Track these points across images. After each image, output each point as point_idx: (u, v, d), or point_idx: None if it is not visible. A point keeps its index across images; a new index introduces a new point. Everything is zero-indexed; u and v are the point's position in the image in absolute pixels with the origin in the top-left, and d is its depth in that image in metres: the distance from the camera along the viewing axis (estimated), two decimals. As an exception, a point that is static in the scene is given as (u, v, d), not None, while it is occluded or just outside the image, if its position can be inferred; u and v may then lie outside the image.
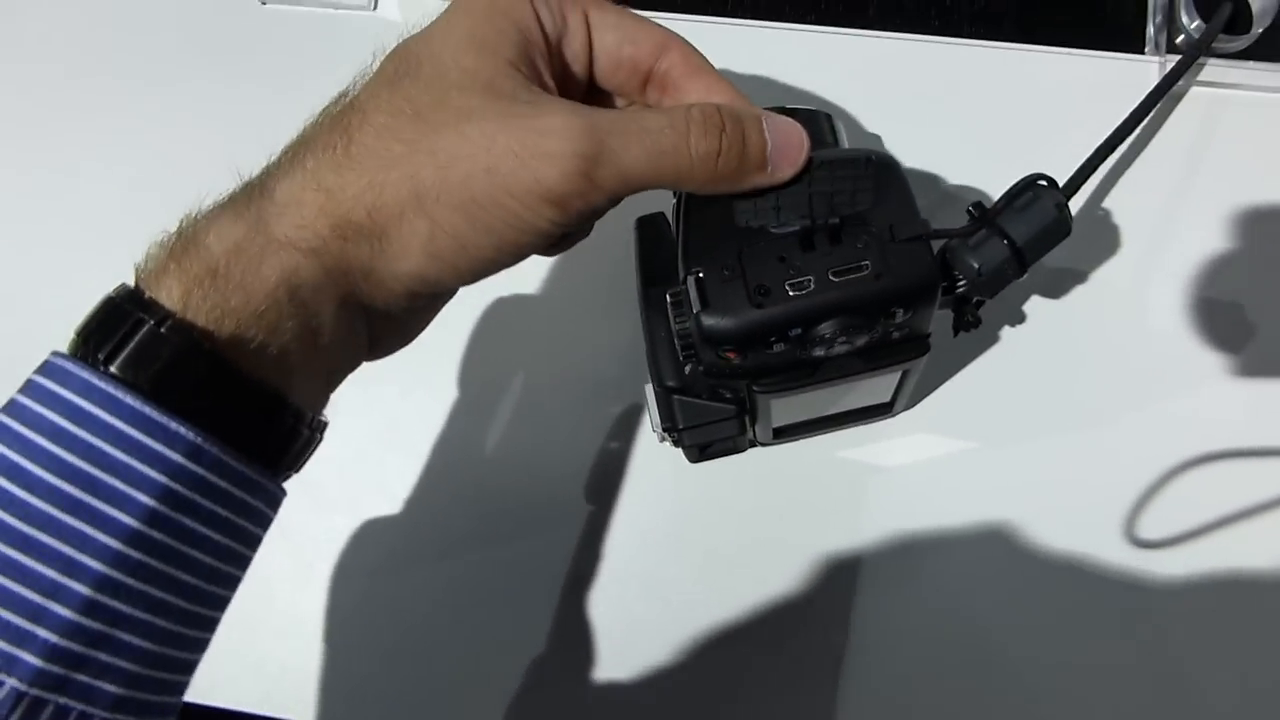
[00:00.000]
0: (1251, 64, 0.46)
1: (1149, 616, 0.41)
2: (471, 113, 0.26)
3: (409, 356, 0.32)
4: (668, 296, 0.32)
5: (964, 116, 0.47)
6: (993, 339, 0.44)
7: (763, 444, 0.44)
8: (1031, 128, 0.46)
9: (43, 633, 0.23)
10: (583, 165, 0.26)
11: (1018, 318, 0.44)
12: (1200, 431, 0.42)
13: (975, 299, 0.35)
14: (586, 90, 0.31)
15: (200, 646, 0.27)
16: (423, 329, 0.33)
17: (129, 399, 0.24)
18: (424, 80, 0.27)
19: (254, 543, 0.28)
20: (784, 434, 0.42)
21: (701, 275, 0.30)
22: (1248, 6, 0.47)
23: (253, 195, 0.27)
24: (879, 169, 0.30)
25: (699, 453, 0.43)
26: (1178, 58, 0.46)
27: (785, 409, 0.38)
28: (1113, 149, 0.39)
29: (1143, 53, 0.47)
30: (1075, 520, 0.42)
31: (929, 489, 0.43)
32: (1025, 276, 0.33)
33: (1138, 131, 0.45)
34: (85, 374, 0.25)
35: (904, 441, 0.44)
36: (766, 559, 0.43)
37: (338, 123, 0.27)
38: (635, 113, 0.28)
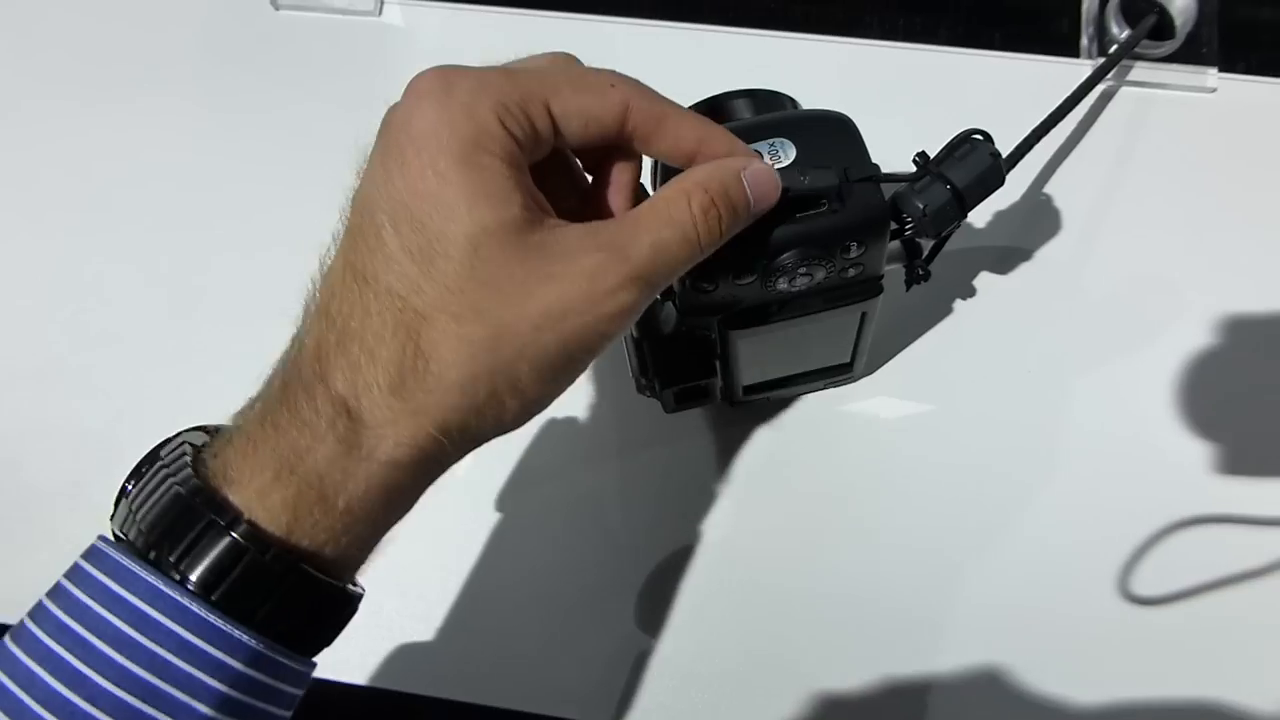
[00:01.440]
0: (1176, 66, 0.51)
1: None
2: (529, 290, 0.27)
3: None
4: None
5: (914, 114, 0.50)
6: (946, 310, 0.48)
7: (734, 403, 0.47)
8: (976, 123, 0.50)
9: None
10: (636, 312, 0.29)
11: (969, 291, 0.48)
12: (1127, 396, 0.46)
13: (925, 253, 0.39)
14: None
15: None
16: None
17: (194, 607, 0.25)
18: (457, 259, 0.26)
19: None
20: (754, 392, 0.46)
21: None
22: (1170, 16, 0.52)
23: (337, 411, 0.27)
24: (835, 124, 0.35)
25: (674, 401, 0.46)
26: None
27: (753, 358, 0.42)
28: (1046, 131, 0.44)
29: (1078, 58, 0.52)
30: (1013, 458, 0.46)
31: (899, 451, 0.47)
32: (965, 220, 0.37)
33: (1074, 123, 0.51)
34: (151, 579, 0.25)
35: (869, 404, 0.48)
36: (747, 512, 0.47)
37: (397, 322, 0.27)
38: (653, 228, 0.29)
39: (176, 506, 0.26)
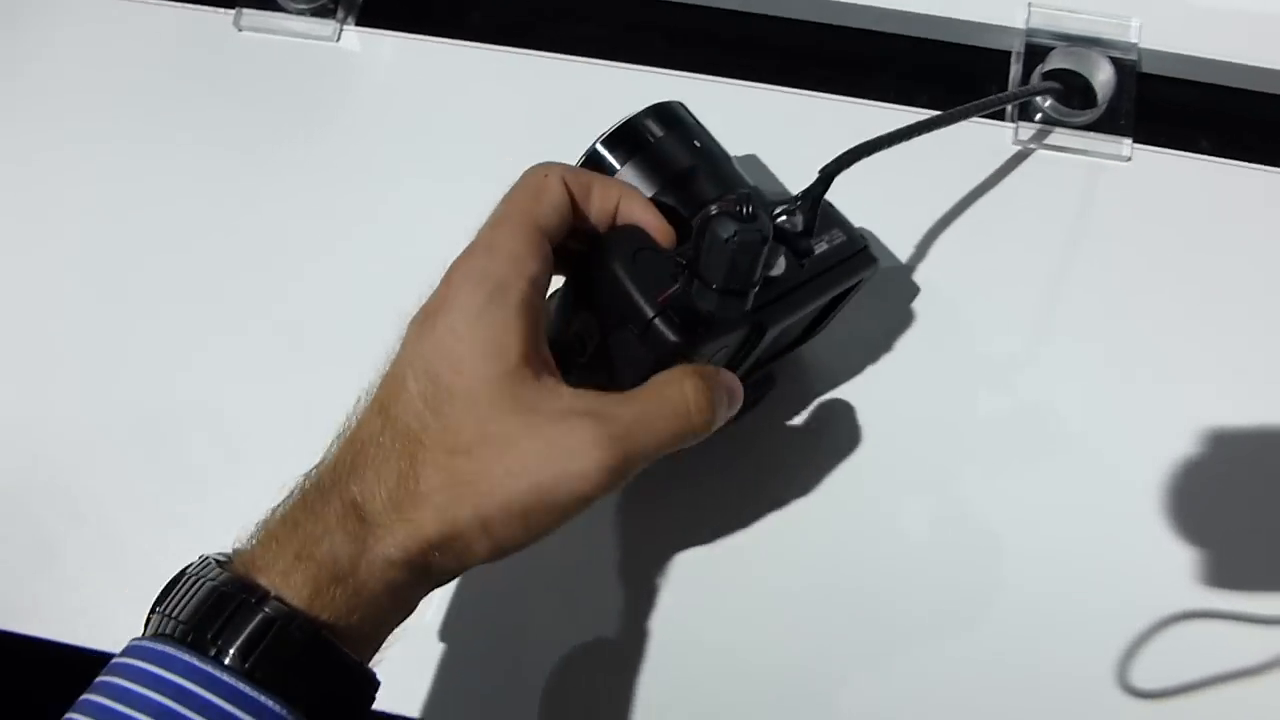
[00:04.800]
0: (1094, 134, 0.54)
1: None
2: (512, 440, 0.31)
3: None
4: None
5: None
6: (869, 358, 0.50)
7: None
8: (900, 180, 0.51)
9: None
10: (612, 475, 0.32)
11: (883, 347, 0.50)
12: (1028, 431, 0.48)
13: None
14: None
15: None
16: None
17: (227, 678, 0.28)
18: (460, 405, 0.32)
19: None
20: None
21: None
22: (1094, 87, 0.55)
23: (348, 511, 0.31)
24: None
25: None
26: (1034, 127, 0.54)
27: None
28: (891, 143, 0.42)
29: (1003, 119, 0.55)
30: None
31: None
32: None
33: (995, 181, 0.53)
34: (188, 657, 0.29)
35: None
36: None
37: (403, 448, 0.32)
38: (643, 402, 0.33)
39: (212, 596, 0.30)
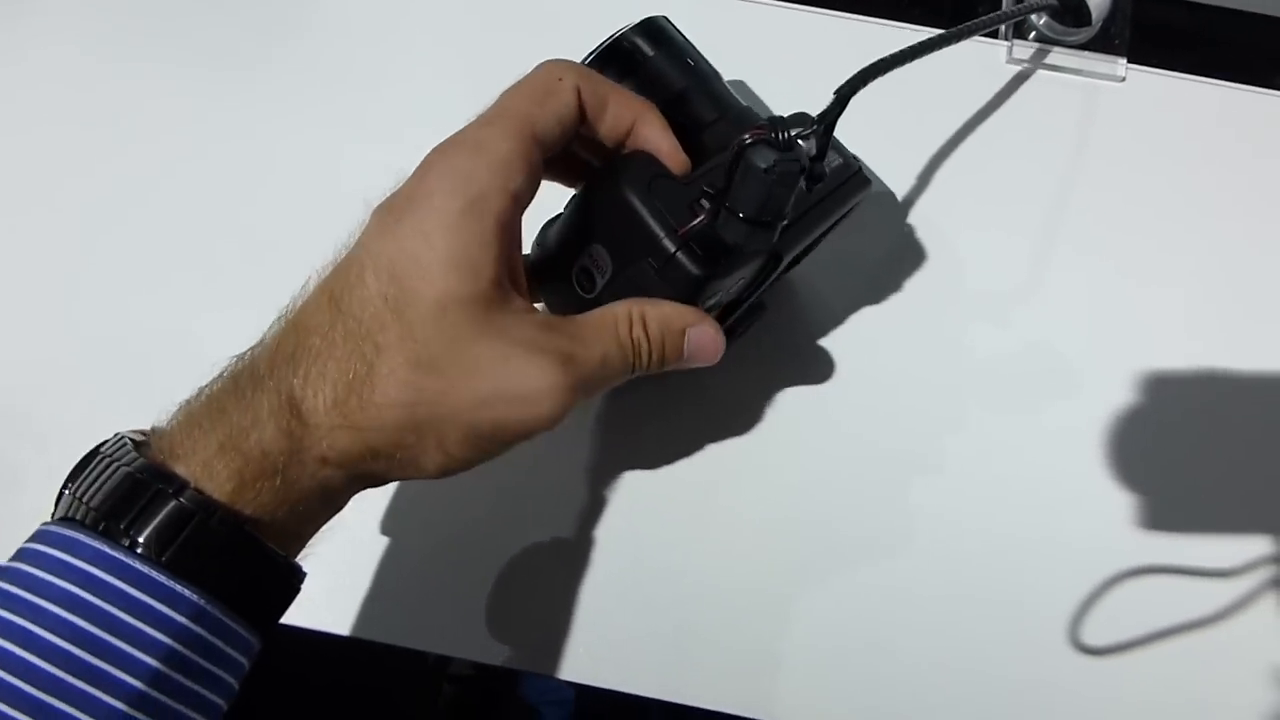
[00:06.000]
0: (1089, 54, 0.52)
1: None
2: (481, 368, 0.30)
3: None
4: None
5: (830, 82, 0.51)
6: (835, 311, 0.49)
7: None
8: (891, 101, 0.50)
9: None
10: (564, 414, 0.31)
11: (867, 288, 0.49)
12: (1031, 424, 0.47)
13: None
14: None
15: None
16: None
17: (137, 564, 0.27)
18: (424, 314, 0.29)
19: (230, 695, 0.30)
20: None
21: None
22: (1088, 6, 0.53)
23: (284, 405, 0.29)
24: None
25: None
26: (1028, 46, 0.52)
27: None
28: (904, 61, 0.40)
29: (996, 38, 0.53)
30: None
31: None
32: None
33: (990, 100, 0.51)
34: (98, 543, 0.27)
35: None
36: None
37: (356, 348, 0.29)
38: (600, 337, 0.32)
39: (125, 482, 0.28)
